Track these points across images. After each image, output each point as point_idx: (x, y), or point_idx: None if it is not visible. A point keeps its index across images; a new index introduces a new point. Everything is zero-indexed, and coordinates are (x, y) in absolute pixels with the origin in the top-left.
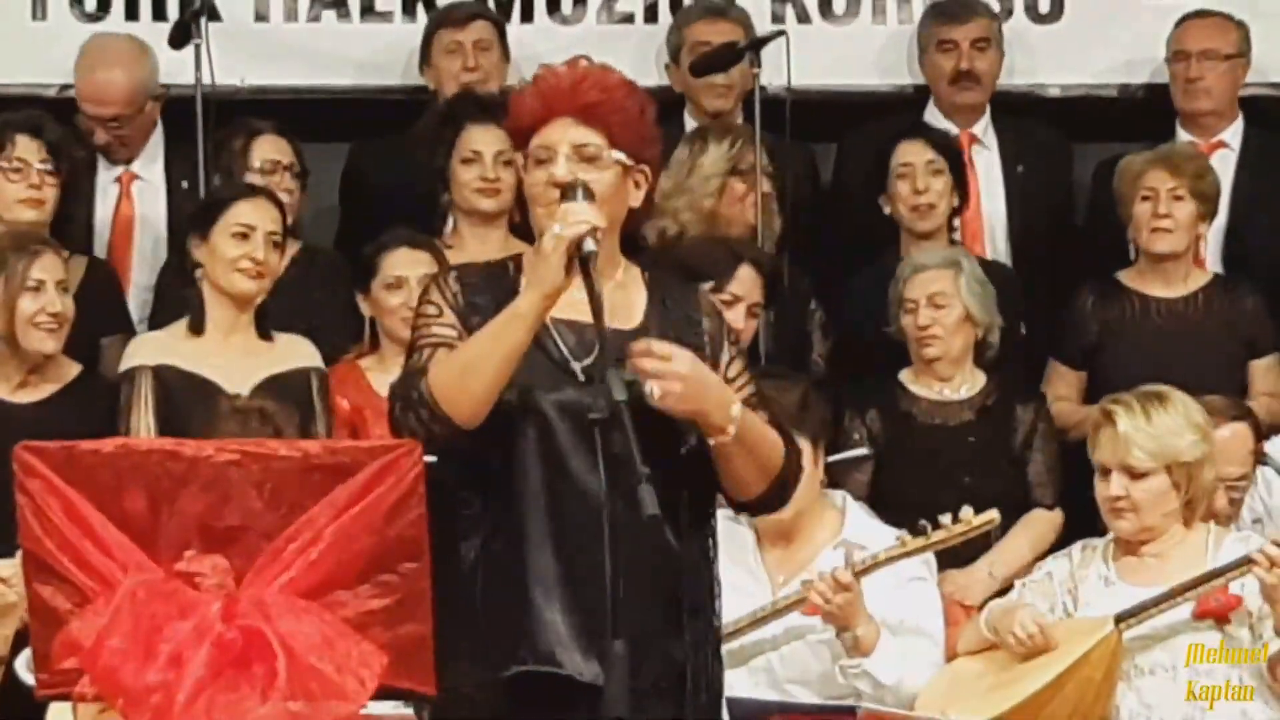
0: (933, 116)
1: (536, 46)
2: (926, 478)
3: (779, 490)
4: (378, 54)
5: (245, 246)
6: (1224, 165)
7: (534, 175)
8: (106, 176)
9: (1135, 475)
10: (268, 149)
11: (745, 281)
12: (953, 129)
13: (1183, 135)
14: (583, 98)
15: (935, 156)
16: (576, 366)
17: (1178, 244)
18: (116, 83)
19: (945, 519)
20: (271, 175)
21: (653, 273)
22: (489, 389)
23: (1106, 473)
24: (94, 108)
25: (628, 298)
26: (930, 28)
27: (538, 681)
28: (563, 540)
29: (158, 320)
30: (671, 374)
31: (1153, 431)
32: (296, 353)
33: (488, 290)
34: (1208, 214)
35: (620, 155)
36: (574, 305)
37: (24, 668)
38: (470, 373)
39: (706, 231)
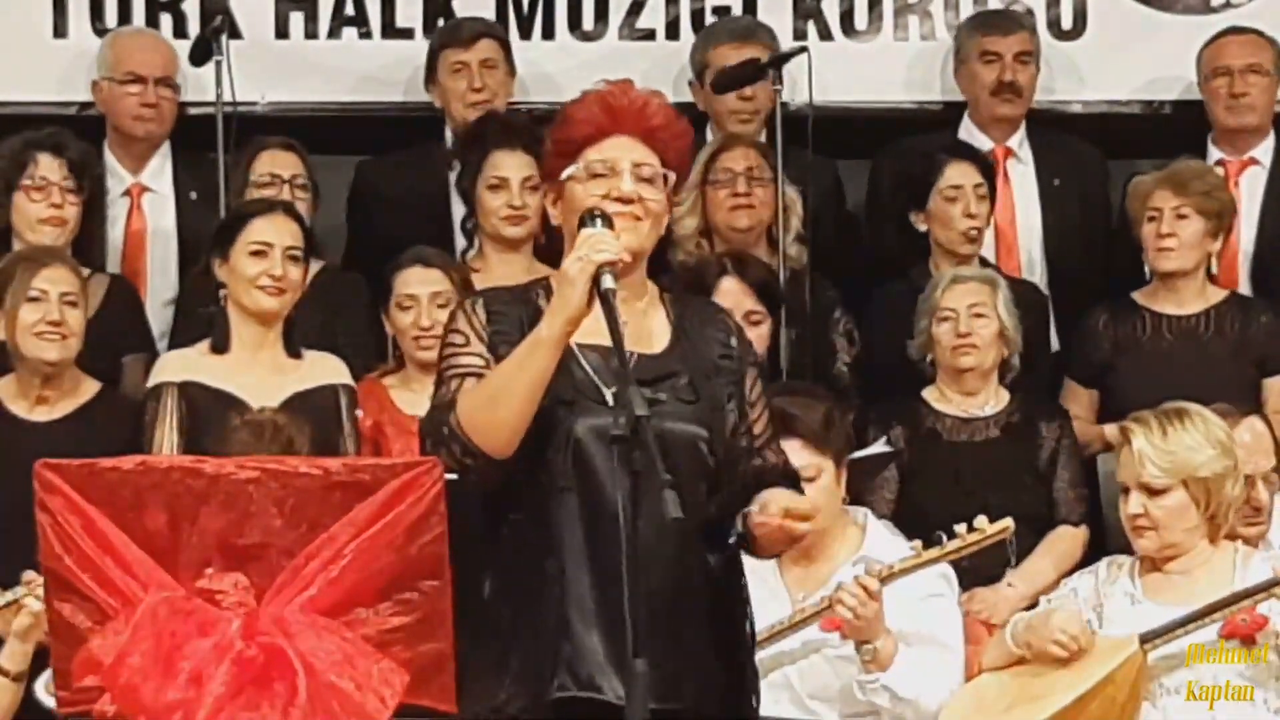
0: (967, 130)
1: (559, 63)
2: (952, 494)
3: None
4: (398, 71)
5: (264, 264)
6: (1255, 182)
7: (591, 187)
8: (116, 190)
9: (1153, 492)
10: (266, 162)
11: (729, 294)
12: (988, 143)
13: (1214, 153)
14: (650, 119)
15: (982, 180)
16: (607, 392)
17: (1184, 262)
18: (161, 48)
19: (960, 528)
20: (268, 188)
21: (672, 293)
22: (518, 417)
23: (1127, 491)
24: (145, 68)
25: (652, 322)
26: (973, 38)
27: (577, 705)
28: (600, 564)
29: (179, 338)
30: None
31: (1167, 448)
32: (324, 370)
33: (514, 316)
34: (1218, 230)
35: (673, 179)
36: (599, 330)
37: (43, 690)
38: (498, 402)
39: (720, 245)
